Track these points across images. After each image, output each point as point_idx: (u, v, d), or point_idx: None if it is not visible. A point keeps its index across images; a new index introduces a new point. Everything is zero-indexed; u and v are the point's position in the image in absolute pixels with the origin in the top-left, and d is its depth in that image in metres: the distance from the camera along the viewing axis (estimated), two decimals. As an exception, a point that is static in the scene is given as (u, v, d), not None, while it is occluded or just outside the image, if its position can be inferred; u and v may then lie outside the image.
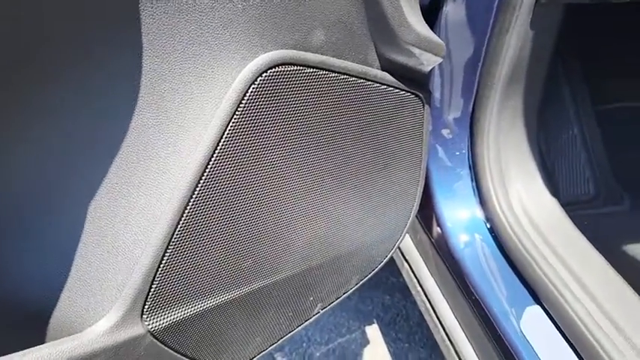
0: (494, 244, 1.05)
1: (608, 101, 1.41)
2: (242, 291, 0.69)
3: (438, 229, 1.10)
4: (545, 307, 0.94)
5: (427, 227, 1.14)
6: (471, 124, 1.05)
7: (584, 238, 1.01)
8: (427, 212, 1.11)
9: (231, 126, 0.59)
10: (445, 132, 1.06)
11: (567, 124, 1.32)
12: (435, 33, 1.03)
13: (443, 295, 1.16)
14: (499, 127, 1.05)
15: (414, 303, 1.29)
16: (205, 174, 0.59)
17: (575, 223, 1.05)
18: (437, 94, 1.04)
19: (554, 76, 1.29)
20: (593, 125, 1.35)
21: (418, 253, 1.22)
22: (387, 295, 1.71)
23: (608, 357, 0.79)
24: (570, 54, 1.31)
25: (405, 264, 1.28)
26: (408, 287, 1.30)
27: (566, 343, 0.88)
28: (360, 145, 0.75)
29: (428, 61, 0.75)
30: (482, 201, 1.05)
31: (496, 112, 1.02)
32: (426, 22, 0.86)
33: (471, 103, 1.03)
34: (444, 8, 1.03)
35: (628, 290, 0.91)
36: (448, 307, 1.14)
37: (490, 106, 1.03)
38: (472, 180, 1.07)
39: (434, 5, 1.04)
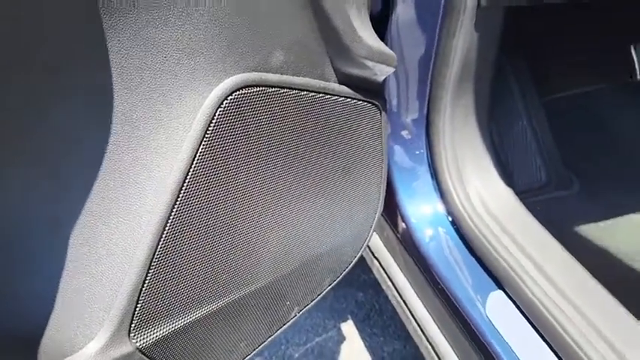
0: (456, 236, 1.11)
1: (553, 92, 1.49)
2: (222, 302, 0.73)
3: (403, 225, 1.15)
4: (508, 291, 1.00)
5: (393, 224, 1.19)
6: (427, 124, 1.11)
7: (539, 224, 1.08)
8: (392, 210, 1.16)
9: (201, 148, 0.63)
10: (404, 133, 1.11)
11: (517, 117, 1.39)
12: (387, 40, 1.08)
13: (412, 288, 1.21)
14: (453, 125, 1.11)
15: (387, 298, 1.34)
16: (180, 195, 0.63)
17: (529, 210, 1.12)
18: (394, 99, 1.10)
19: (501, 73, 1.36)
20: (540, 116, 1.43)
21: (386, 250, 1.27)
22: (360, 292, 1.76)
23: (567, 335, 0.86)
24: (515, 51, 1.38)
25: (375, 261, 1.33)
26: (379, 283, 1.36)
27: (528, 325, 0.95)
28: (324, 154, 0.79)
29: (381, 72, 0.80)
30: (443, 196, 1.11)
31: (449, 111, 1.08)
32: (377, 30, 0.91)
33: (426, 105, 1.09)
34: (393, 16, 1.08)
35: (581, 270, 0.98)
36: (418, 299, 1.20)
37: (443, 105, 1.08)
38: (432, 177, 1.12)
39: (383, 13, 1.09)
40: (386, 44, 1.10)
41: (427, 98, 1.09)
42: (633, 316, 0.89)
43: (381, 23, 1.09)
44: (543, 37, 1.23)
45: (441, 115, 1.09)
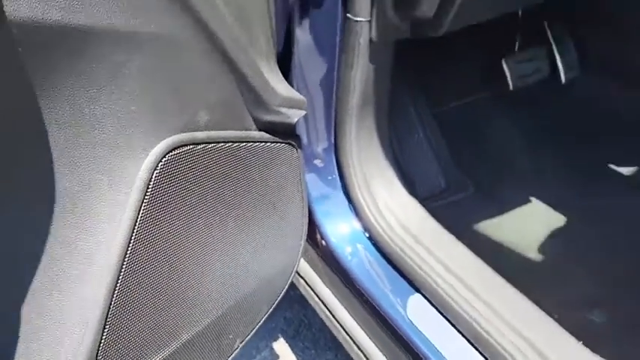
0: (374, 249, 1.21)
1: (442, 105, 1.65)
2: (174, 346, 0.77)
3: (325, 245, 1.24)
4: (424, 294, 1.12)
5: (315, 245, 1.28)
6: (336, 149, 1.21)
7: (442, 227, 1.20)
8: (313, 233, 1.24)
9: (142, 211, 0.67)
10: (317, 162, 1.20)
11: (414, 131, 1.53)
12: (292, 76, 1.17)
13: (339, 301, 1.30)
14: (359, 146, 1.21)
15: (314, 311, 1.42)
16: (127, 256, 0.67)
17: (434, 215, 1.25)
18: (305, 133, 1.18)
19: (397, 91, 1.49)
20: (433, 127, 1.58)
21: (311, 269, 1.35)
22: (288, 310, 1.83)
23: (480, 327, 0.98)
24: (407, 71, 1.52)
25: (301, 280, 1.41)
26: (305, 299, 1.44)
27: (446, 322, 1.06)
28: (252, 195, 0.86)
29: (294, 115, 0.89)
30: (357, 214, 1.21)
31: (354, 135, 1.18)
32: (283, 68, 0.99)
33: (333, 133, 1.18)
34: (295, 54, 1.17)
35: (484, 266, 1.11)
36: (345, 310, 1.29)
37: (348, 131, 1.18)
38: (346, 197, 1.22)
39: (286, 52, 1.17)
40: (292, 80, 1.19)
41: (334, 126, 1.18)
42: (532, 303, 1.03)
43: (285, 61, 1.17)
44: (431, 57, 1.37)
45: (347, 140, 1.19)
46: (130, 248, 0.67)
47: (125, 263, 0.66)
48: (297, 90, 1.20)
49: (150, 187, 0.68)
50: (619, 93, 1.64)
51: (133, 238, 0.67)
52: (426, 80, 1.56)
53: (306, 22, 1.14)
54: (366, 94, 1.15)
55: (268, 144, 0.86)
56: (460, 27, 1.11)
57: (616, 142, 1.58)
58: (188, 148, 0.72)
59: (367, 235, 1.21)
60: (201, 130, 0.74)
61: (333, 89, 1.16)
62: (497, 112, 1.67)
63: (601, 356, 0.96)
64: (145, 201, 0.67)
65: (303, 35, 1.15)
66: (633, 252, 1.31)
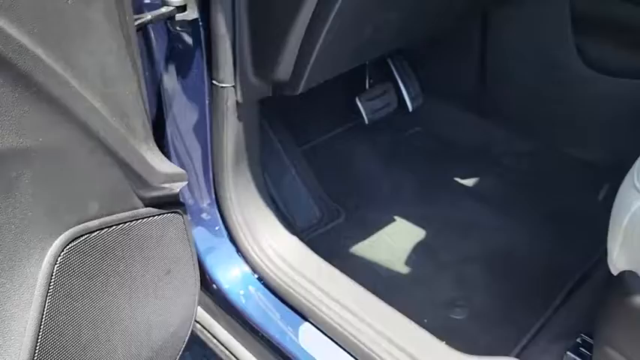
0: (263, 288, 1.32)
1: (308, 141, 1.81)
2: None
3: (218, 291, 1.33)
4: (313, 322, 1.25)
5: (210, 293, 1.36)
6: (217, 202, 1.31)
7: (320, 258, 1.34)
8: (207, 282, 1.33)
9: (48, 304, 0.74)
10: (203, 215, 1.30)
11: (286, 170, 1.67)
12: (167, 141, 1.25)
13: (237, 340, 1.40)
14: (238, 197, 1.32)
15: (212, 350, 1.50)
16: (38, 346, 0.73)
17: (313, 244, 1.39)
18: (188, 194, 1.27)
19: (267, 138, 1.62)
20: (304, 163, 1.73)
21: (207, 314, 1.44)
22: (187, 351, 1.88)
23: (365, 346, 1.12)
24: (275, 116, 1.66)
25: (197, 324, 1.48)
26: (203, 341, 1.51)
27: (336, 345, 1.20)
28: (148, 265, 0.94)
29: (177, 187, 0.98)
30: (245, 258, 1.32)
31: (233, 188, 1.29)
32: (158, 137, 1.07)
33: (213, 188, 1.28)
34: (168, 121, 1.26)
35: (359, 288, 1.27)
36: (243, 347, 1.39)
37: (226, 184, 1.29)
38: (233, 245, 1.32)
39: (160, 120, 1.26)
40: (167, 146, 1.28)
41: (212, 183, 1.28)
42: (402, 315, 1.20)
43: (159, 128, 1.26)
44: (294, 100, 1.51)
45: (226, 193, 1.30)
46: (39, 341, 0.73)
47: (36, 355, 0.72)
48: (175, 152, 1.29)
49: (52, 281, 0.74)
50: (457, 116, 1.91)
51: (41, 331, 0.73)
52: (291, 121, 1.71)
53: (176, 89, 1.23)
54: (238, 149, 1.26)
55: (156, 217, 0.95)
56: (316, 84, 1.26)
57: (457, 158, 1.84)
58: (83, 238, 0.79)
59: (256, 276, 1.32)
60: (94, 219, 0.81)
61: (208, 149, 1.26)
62: (357, 143, 1.86)
63: (463, 351, 1.15)
64: (49, 294, 0.74)
65: (174, 101, 1.24)
66: (483, 254, 1.55)
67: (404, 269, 1.54)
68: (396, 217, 1.67)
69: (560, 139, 1.76)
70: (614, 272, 0.96)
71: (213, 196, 1.28)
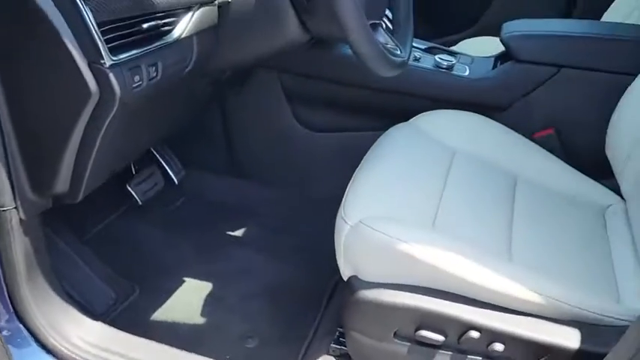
0: None
1: (90, 232, 1.98)
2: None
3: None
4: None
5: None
6: (17, 316, 1.42)
7: (125, 332, 1.55)
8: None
9: None
10: (5, 332, 1.40)
11: (74, 265, 1.80)
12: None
13: None
14: (38, 305, 1.40)
15: None
16: None
17: (117, 323, 1.58)
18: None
19: (52, 242, 1.75)
20: (88, 253, 1.88)
21: None
22: None
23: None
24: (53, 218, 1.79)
25: None
26: None
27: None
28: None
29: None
30: (58, 356, 1.46)
31: (32, 299, 1.38)
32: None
33: (10, 305, 1.40)
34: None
35: (167, 349, 1.51)
36: None
37: (24, 296, 1.40)
38: (43, 349, 1.44)
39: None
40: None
41: (9, 298, 1.40)
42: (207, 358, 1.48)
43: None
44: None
45: (24, 304, 1.40)
46: None
47: None
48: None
49: None
50: (216, 181, 2.29)
51: None
52: (70, 218, 1.86)
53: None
54: (30, 263, 1.41)
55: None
56: (95, 188, 1.48)
57: (223, 216, 2.20)
58: None
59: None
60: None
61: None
62: (135, 222, 2.09)
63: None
64: None
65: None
66: (261, 291, 1.90)
67: (200, 320, 1.81)
68: (184, 279, 1.94)
69: (297, 184, 2.25)
70: (345, 278, 1.39)
71: (11, 310, 1.40)
